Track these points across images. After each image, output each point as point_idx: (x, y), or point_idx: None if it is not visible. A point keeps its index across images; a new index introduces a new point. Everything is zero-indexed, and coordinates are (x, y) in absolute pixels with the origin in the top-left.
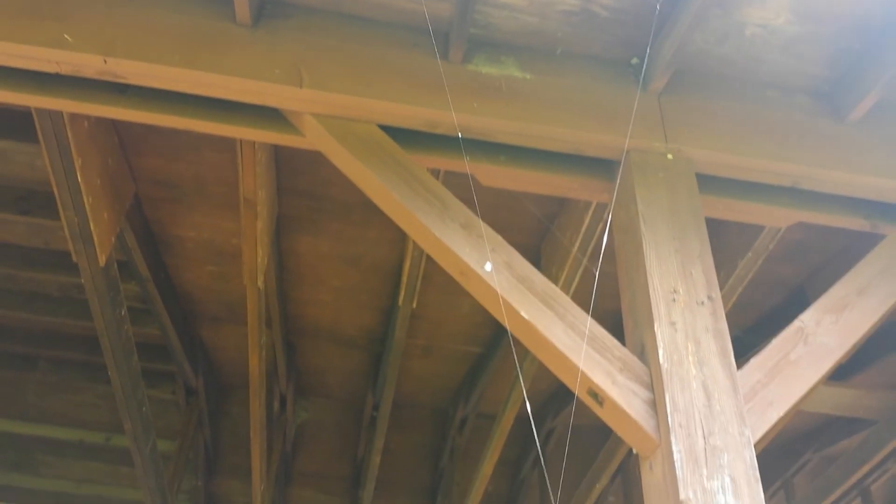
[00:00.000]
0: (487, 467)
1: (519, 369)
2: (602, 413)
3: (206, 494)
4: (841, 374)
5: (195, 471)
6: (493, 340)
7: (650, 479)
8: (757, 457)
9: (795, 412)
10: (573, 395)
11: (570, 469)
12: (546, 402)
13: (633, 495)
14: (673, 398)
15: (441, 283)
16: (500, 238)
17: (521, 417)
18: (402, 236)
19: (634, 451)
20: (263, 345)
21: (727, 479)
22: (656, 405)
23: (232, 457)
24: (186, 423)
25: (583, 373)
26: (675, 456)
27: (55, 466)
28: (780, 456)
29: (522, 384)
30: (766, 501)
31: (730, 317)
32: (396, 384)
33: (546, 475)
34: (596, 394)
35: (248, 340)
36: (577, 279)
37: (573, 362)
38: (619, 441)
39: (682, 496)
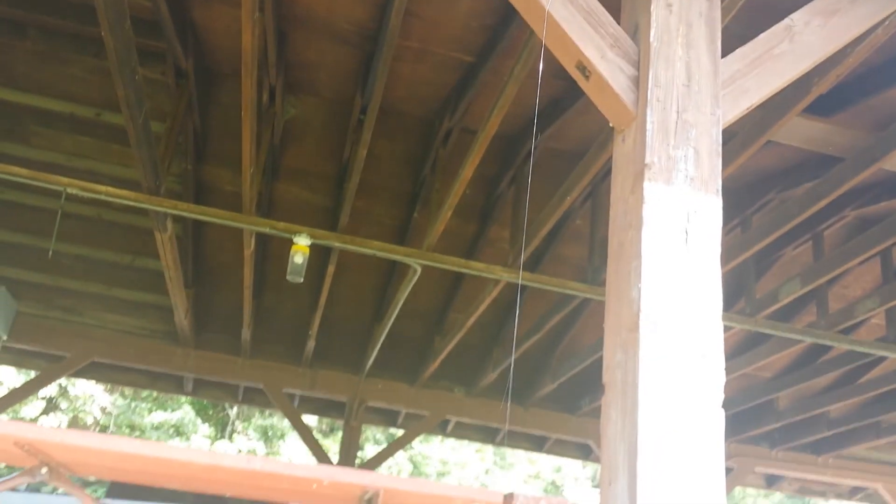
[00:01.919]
0: (467, 171)
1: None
2: (586, 87)
3: (195, 179)
4: (820, 109)
5: (185, 155)
6: (486, 49)
7: (621, 150)
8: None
9: (765, 143)
10: (556, 116)
11: (544, 190)
12: (528, 123)
13: (600, 220)
14: (656, 75)
15: None
16: None
17: (503, 135)
18: None
19: (612, 124)
20: (256, 21)
21: (691, 151)
22: (639, 82)
23: (221, 145)
24: (176, 104)
25: (574, 45)
26: (648, 127)
27: (46, 137)
28: (743, 195)
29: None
30: (723, 236)
31: (726, 9)
32: (385, 88)
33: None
34: (584, 67)
35: (242, 15)
36: None
37: (567, 34)
38: (591, 163)
39: (647, 160)
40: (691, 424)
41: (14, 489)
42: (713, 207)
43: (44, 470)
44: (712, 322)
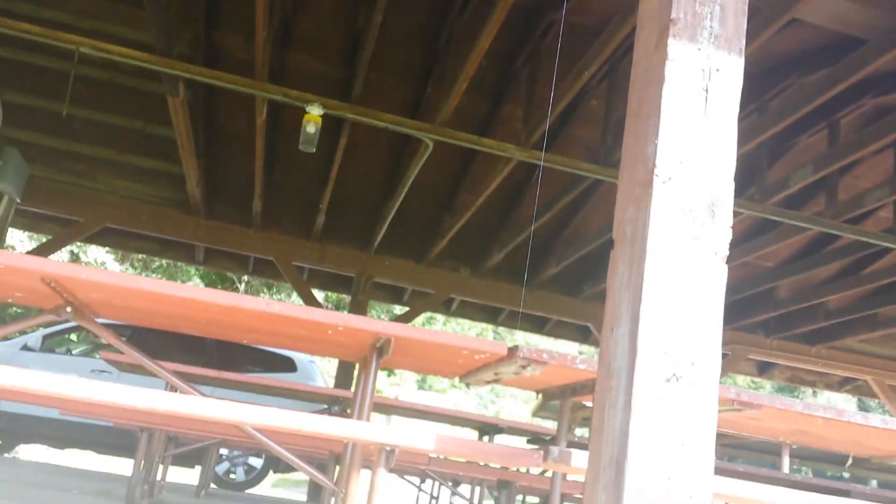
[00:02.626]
0: (484, 42)
1: None
2: None
3: (206, 44)
4: None
5: (196, 19)
6: None
7: (646, 6)
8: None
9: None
10: None
11: (561, 68)
12: None
13: (617, 101)
14: None
15: None
16: None
17: (521, 8)
18: None
19: None
20: None
21: (717, 7)
22: None
23: (233, 9)
24: None
25: None
26: None
27: None
28: (762, 79)
29: None
30: (738, 121)
31: None
32: None
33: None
34: None
35: None
36: None
37: None
38: (611, 37)
39: (672, 15)
40: (695, 277)
41: (28, 348)
42: (735, 67)
43: (68, 309)
44: (724, 181)
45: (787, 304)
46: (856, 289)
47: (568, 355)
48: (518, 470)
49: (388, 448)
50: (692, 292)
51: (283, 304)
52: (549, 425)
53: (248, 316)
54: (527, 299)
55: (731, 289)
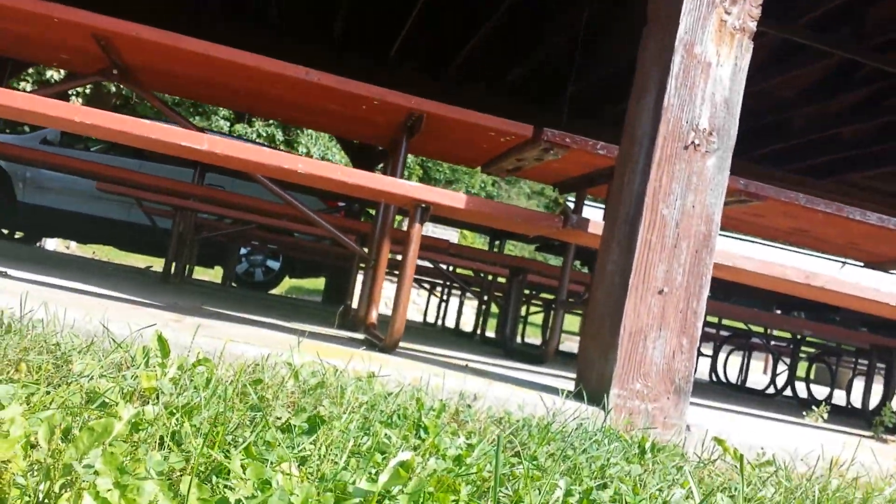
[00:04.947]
0: None
1: None
2: None
3: None
4: None
5: None
6: None
7: None
8: None
9: None
10: None
11: None
12: None
13: None
14: None
15: None
16: None
17: None
18: None
19: None
20: None
21: None
22: None
23: None
24: None
25: None
26: None
27: None
28: None
29: None
30: None
31: None
32: None
33: None
34: None
35: None
36: None
37: None
38: None
39: None
40: (721, 51)
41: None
42: None
43: (115, 71)
44: None
45: (800, 136)
46: (872, 121)
47: (590, 140)
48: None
49: (423, 205)
50: (718, 65)
51: (323, 74)
52: None
53: (288, 86)
54: (548, 122)
55: (746, 117)
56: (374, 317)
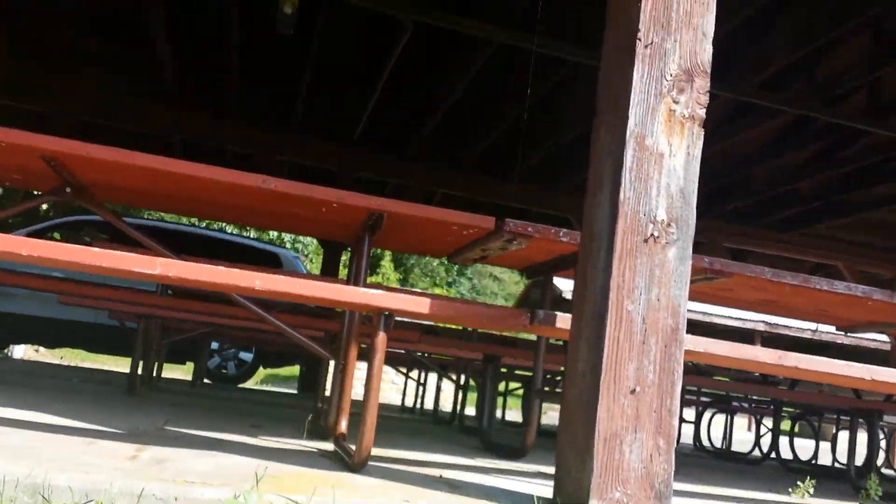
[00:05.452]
0: None
1: None
2: None
3: None
4: None
5: None
6: None
7: None
8: None
9: None
10: None
11: None
12: None
13: None
14: None
15: None
16: None
17: None
18: None
19: None
20: None
21: None
22: None
23: None
24: None
25: None
26: None
27: None
28: None
29: None
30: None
31: None
32: None
33: None
34: None
35: None
36: None
37: None
38: None
39: None
40: (673, 141)
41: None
42: None
43: (67, 189)
44: (704, 47)
45: (761, 191)
46: (829, 172)
47: (552, 228)
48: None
49: (386, 312)
50: (671, 156)
51: (280, 181)
52: None
53: (245, 193)
54: (506, 192)
55: (707, 176)
56: (343, 426)
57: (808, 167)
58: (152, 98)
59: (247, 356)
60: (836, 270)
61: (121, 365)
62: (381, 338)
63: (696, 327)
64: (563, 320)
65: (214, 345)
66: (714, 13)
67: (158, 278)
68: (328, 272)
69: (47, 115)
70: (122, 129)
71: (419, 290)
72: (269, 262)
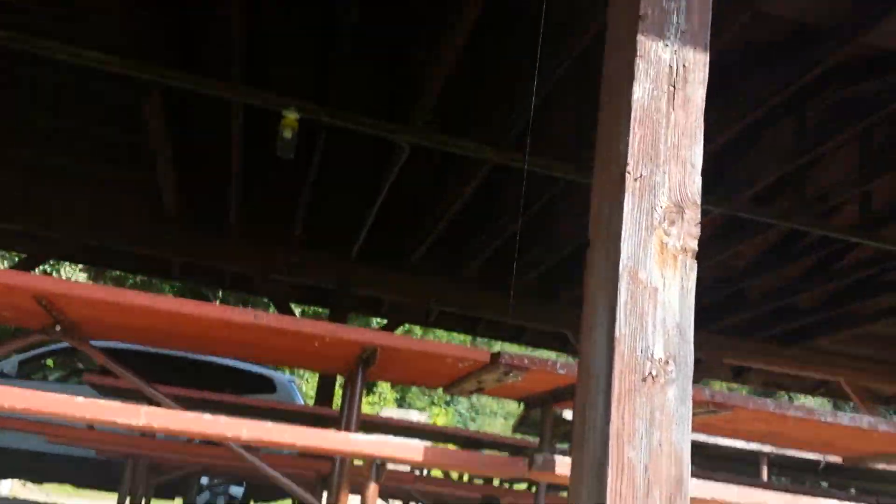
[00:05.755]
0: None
1: None
2: None
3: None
4: None
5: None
6: None
7: (615, 3)
8: None
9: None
10: None
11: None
12: None
13: (591, 98)
14: None
15: None
16: None
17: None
18: None
19: None
20: None
21: (683, 3)
22: None
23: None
24: None
25: None
26: None
27: None
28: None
29: None
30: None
31: None
32: None
33: None
34: None
35: None
36: None
37: None
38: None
39: (641, 11)
40: (667, 275)
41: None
42: (701, 62)
43: (57, 328)
44: (693, 177)
45: (759, 305)
46: (826, 286)
47: (549, 361)
48: (502, 484)
49: (378, 461)
50: (665, 289)
51: (272, 316)
52: (531, 441)
53: (237, 329)
54: (504, 308)
55: (704, 291)
56: None
57: (801, 282)
58: (152, 219)
59: (237, 490)
60: (838, 386)
61: (108, 500)
62: (373, 489)
63: (701, 449)
64: (563, 465)
65: (204, 479)
66: (701, 144)
67: (143, 428)
68: (324, 395)
69: (46, 236)
70: (119, 251)
71: (416, 412)
72: (263, 386)
